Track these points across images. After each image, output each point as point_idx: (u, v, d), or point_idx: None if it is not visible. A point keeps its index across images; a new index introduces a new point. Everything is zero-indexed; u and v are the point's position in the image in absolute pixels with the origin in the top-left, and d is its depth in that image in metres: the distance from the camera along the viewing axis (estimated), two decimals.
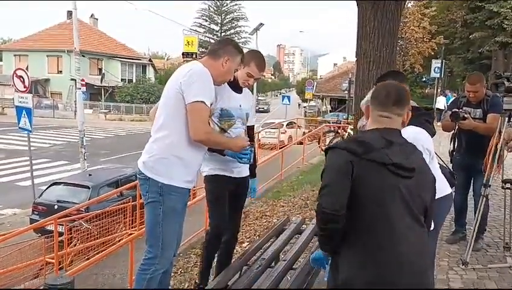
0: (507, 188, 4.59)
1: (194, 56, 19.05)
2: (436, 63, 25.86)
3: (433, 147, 2.81)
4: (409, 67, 31.09)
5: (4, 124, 27.36)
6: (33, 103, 11.87)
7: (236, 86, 3.27)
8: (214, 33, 56.96)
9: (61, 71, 37.96)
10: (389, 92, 2.13)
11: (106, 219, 8.54)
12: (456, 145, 4.77)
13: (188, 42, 20.66)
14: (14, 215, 12.14)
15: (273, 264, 3.61)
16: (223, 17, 59.16)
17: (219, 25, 59.05)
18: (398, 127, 2.10)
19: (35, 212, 10.19)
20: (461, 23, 29.36)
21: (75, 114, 26.05)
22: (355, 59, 5.17)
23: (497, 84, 4.25)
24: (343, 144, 2.03)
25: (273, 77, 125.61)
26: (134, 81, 41.94)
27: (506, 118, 4.22)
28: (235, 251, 3.84)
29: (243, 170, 3.41)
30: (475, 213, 4.49)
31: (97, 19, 45.05)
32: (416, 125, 2.71)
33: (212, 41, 46.26)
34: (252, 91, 3.80)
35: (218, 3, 58.66)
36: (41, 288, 5.66)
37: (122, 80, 41.29)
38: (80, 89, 15.49)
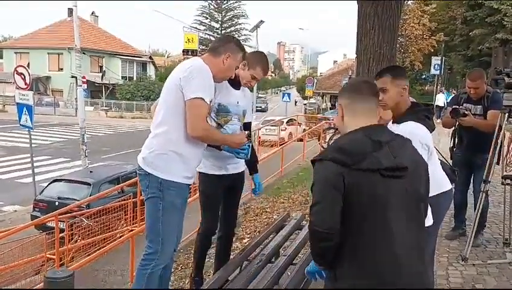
0: (507, 184, 4.60)
1: (194, 53, 19.05)
2: (436, 60, 25.87)
3: (432, 142, 2.81)
4: (409, 64, 31.08)
5: (5, 122, 27.41)
6: (34, 100, 11.89)
7: (235, 83, 3.27)
8: (214, 30, 56.83)
9: (62, 69, 37.96)
10: (361, 83, 2.11)
11: (107, 216, 8.56)
12: (456, 142, 4.79)
13: (188, 39, 20.64)
14: (15, 212, 12.18)
15: (273, 259, 3.62)
16: (223, 14, 59.04)
17: (219, 22, 58.91)
18: (378, 120, 2.04)
19: (36, 209, 10.23)
20: (461, 20, 29.30)
21: (76, 111, 26.06)
22: (355, 56, 5.17)
23: (497, 80, 4.26)
24: (330, 155, 1.89)
25: (273, 75, 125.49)
26: (134, 78, 41.95)
27: (506, 114, 4.23)
28: (235, 246, 3.86)
29: (239, 165, 3.41)
30: (475, 209, 4.51)
31: (98, 17, 45.00)
32: (415, 121, 2.72)
33: (213, 38, 46.20)
34: (252, 88, 3.81)
35: (219, 1, 58.57)
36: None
37: (122, 77, 41.29)
38: (81, 86, 15.50)
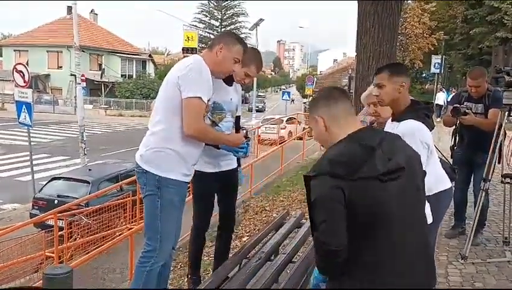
0: (507, 182, 4.59)
1: (194, 51, 19.03)
2: (436, 59, 25.89)
3: (432, 141, 2.80)
4: (409, 63, 31.06)
5: (4, 120, 27.38)
6: (33, 98, 11.86)
7: (227, 78, 3.22)
8: (214, 28, 56.82)
9: (61, 66, 37.97)
10: (330, 89, 2.10)
11: (106, 214, 8.55)
12: (457, 141, 4.78)
13: (188, 37, 20.65)
14: (14, 211, 12.16)
15: (272, 257, 3.61)
16: (223, 12, 58.99)
17: (219, 20, 58.89)
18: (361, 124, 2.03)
19: (35, 207, 10.22)
20: (461, 19, 29.31)
21: (75, 109, 26.02)
22: (355, 54, 5.16)
23: (497, 78, 4.25)
24: (325, 169, 1.83)
25: (273, 73, 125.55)
26: (134, 76, 41.93)
27: (506, 113, 4.22)
28: (234, 244, 3.86)
29: (232, 162, 3.40)
30: (475, 208, 4.50)
31: (97, 15, 45.03)
32: (415, 119, 2.71)
33: (212, 36, 46.20)
34: (252, 87, 3.80)
35: None
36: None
37: (122, 75, 41.29)
38: (80, 84, 15.53)
